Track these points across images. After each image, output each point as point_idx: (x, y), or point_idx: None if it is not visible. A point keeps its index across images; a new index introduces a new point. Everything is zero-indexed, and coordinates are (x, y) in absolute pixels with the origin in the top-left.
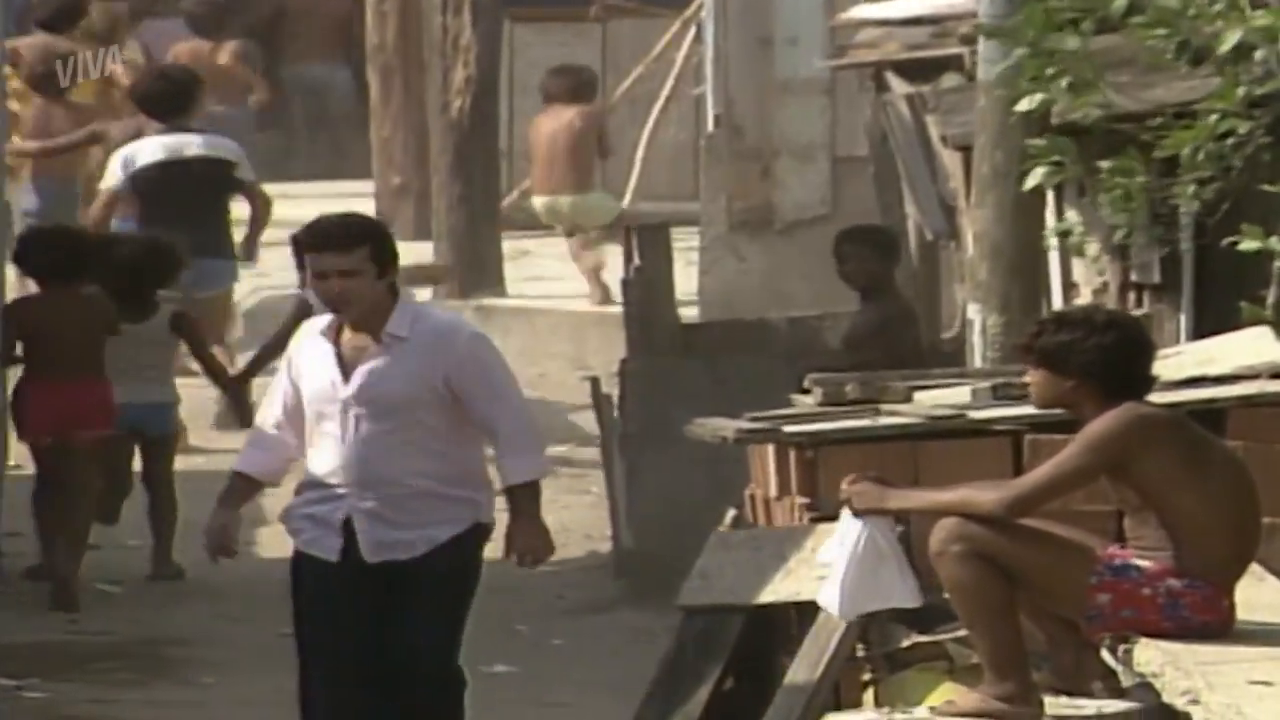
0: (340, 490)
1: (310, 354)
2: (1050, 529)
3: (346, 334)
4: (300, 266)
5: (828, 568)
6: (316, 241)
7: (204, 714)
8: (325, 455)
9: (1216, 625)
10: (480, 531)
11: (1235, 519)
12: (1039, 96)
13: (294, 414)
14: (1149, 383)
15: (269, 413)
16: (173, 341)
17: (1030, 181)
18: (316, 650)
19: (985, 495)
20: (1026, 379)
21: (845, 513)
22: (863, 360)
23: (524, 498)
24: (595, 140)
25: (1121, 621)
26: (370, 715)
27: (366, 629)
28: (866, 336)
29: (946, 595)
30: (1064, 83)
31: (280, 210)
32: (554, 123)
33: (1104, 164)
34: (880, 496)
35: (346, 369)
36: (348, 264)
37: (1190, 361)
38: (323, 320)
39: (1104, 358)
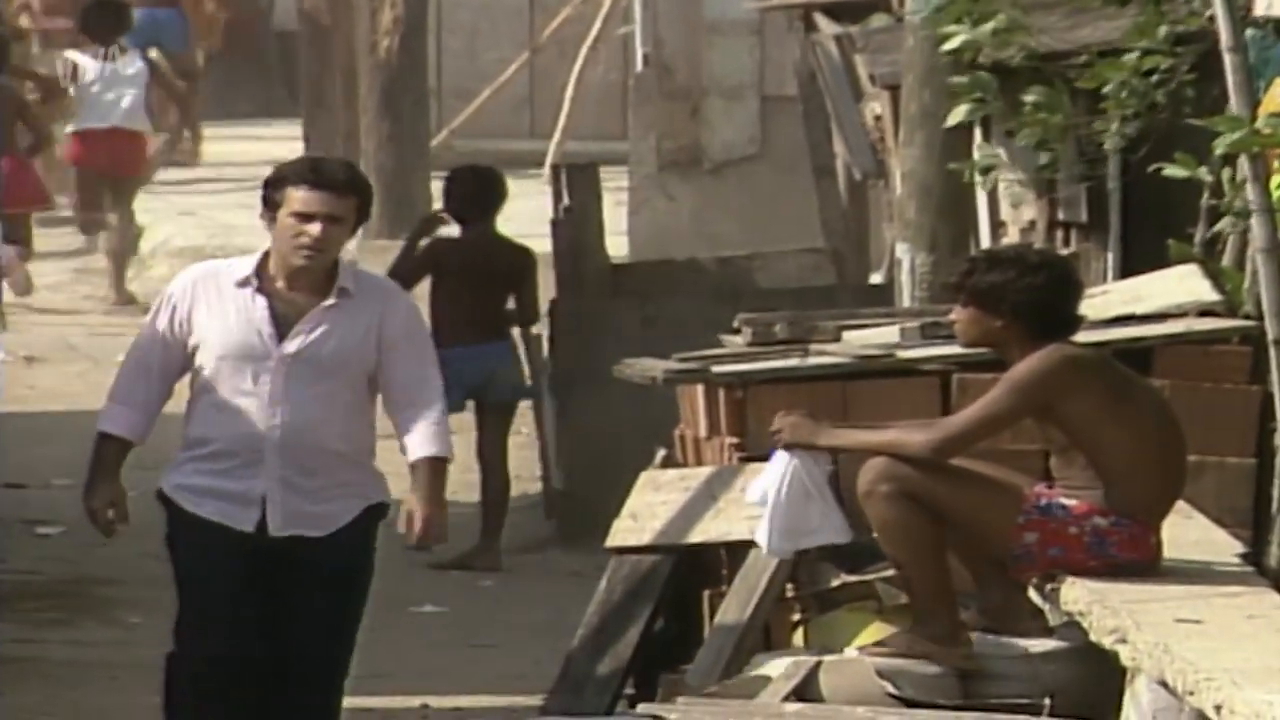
0: (259, 457)
1: (223, 306)
2: (978, 468)
3: (278, 287)
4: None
5: (756, 506)
6: (312, 178)
7: (129, 653)
8: (240, 418)
9: (1143, 563)
10: (379, 512)
11: (1161, 457)
12: (964, 36)
13: (169, 370)
14: (1077, 323)
15: (138, 366)
16: None
17: (952, 119)
18: (212, 620)
19: (914, 436)
20: (952, 317)
21: (779, 452)
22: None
23: (436, 473)
24: None
25: (1049, 560)
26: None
27: (263, 605)
28: (451, 257)
29: (875, 535)
30: (989, 25)
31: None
32: None
33: (1027, 98)
34: (812, 432)
35: (281, 326)
36: (340, 209)
37: (1117, 300)
38: (229, 269)
39: (1035, 298)
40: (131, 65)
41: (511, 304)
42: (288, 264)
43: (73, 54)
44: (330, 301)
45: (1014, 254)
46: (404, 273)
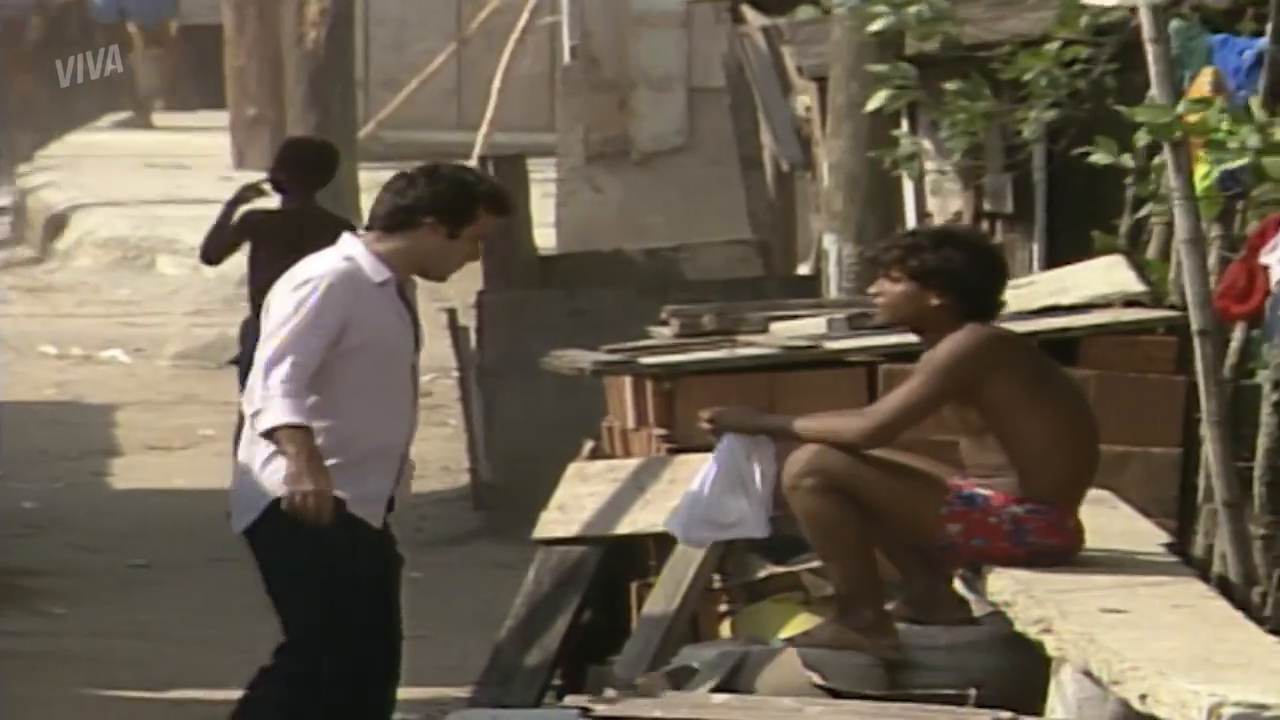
0: (400, 452)
1: (378, 308)
2: (902, 459)
3: (401, 287)
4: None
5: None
6: (509, 208)
7: (56, 644)
8: (393, 417)
9: (1065, 547)
10: None
11: (1075, 443)
12: (889, 19)
13: (321, 367)
14: (1000, 309)
15: (310, 361)
16: None
17: (872, 104)
18: (365, 624)
19: (848, 423)
20: (877, 290)
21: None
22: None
23: None
24: None
25: (973, 551)
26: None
27: None
28: (281, 230)
29: (801, 527)
30: (914, 10)
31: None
32: None
33: (949, 85)
34: (742, 416)
35: (415, 326)
36: None
37: (1043, 291)
38: (354, 267)
39: (977, 281)
40: None
41: None
42: (431, 273)
43: None
44: (414, 295)
45: (962, 235)
46: (219, 242)
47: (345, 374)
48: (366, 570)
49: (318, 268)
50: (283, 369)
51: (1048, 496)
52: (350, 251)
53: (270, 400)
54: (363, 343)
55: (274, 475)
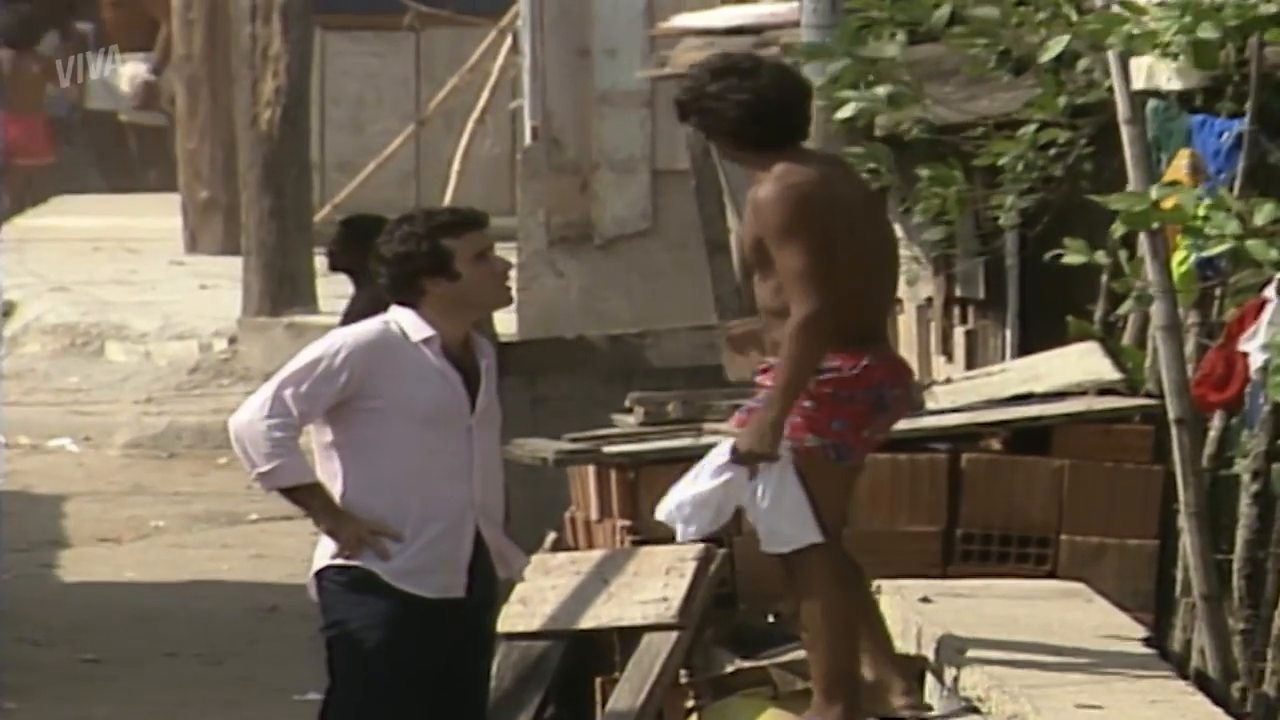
0: (465, 520)
1: (411, 369)
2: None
3: (451, 347)
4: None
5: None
6: (474, 218)
7: None
8: (445, 483)
9: (893, 376)
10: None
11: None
12: (857, 105)
13: (352, 433)
14: (807, 123)
15: (290, 422)
16: None
17: None
18: (416, 700)
19: (794, 331)
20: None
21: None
22: None
23: None
24: None
25: (848, 434)
26: None
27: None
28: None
29: (797, 608)
30: (883, 92)
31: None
32: None
33: (923, 171)
34: (761, 434)
35: (471, 388)
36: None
37: (1016, 378)
38: (390, 329)
39: (737, 111)
40: None
41: None
42: (483, 310)
43: None
44: (487, 361)
45: (727, 64)
46: None
47: (378, 439)
48: (414, 656)
49: (349, 329)
50: (280, 422)
51: (839, 345)
52: (395, 315)
53: (276, 457)
54: (391, 404)
55: (316, 548)
